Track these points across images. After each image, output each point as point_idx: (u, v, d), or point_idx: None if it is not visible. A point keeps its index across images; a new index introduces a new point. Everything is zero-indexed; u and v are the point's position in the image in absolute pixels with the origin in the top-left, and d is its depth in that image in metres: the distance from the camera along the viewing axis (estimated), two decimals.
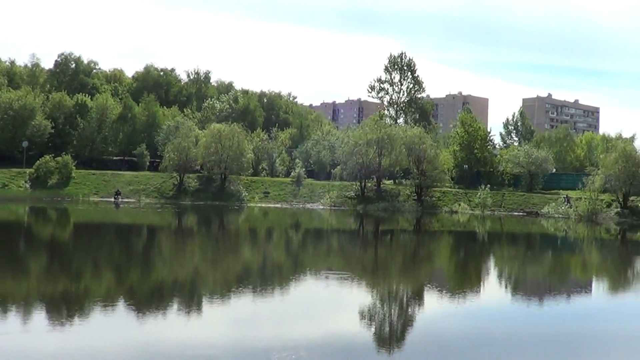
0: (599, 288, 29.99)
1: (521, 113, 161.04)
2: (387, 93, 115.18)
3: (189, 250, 37.20)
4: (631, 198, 78.68)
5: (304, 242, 45.45)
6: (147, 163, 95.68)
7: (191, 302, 21.42)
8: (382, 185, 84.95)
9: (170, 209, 70.07)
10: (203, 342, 16.07)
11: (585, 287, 29.71)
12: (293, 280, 27.38)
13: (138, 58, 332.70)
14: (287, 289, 25.04)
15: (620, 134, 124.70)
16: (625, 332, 19.13)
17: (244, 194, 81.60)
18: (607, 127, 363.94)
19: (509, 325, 19.74)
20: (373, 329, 18.57)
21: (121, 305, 20.61)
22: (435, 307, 21.97)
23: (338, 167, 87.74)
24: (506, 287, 28.53)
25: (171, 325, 18.00)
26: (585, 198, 78.25)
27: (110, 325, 17.51)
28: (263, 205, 79.40)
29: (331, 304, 22.37)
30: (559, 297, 25.94)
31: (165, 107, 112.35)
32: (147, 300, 21.59)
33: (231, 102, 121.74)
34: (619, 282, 31.33)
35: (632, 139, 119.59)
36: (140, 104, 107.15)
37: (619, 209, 77.88)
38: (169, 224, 57.82)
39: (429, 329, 18.81)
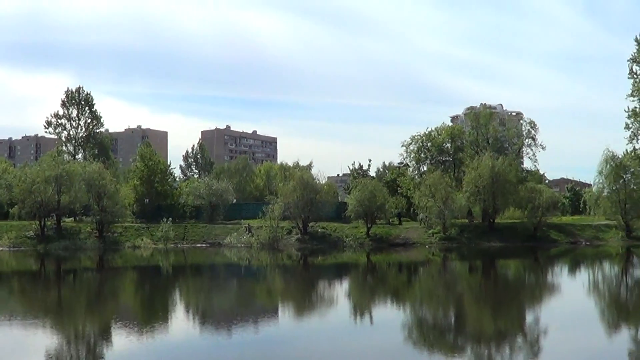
0: (284, 313, 30.93)
1: (200, 145, 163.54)
2: (65, 128, 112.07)
3: None
4: (310, 224, 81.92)
5: None
6: None
7: None
8: (62, 223, 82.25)
9: None
10: None
11: (272, 314, 30.48)
12: None
13: None
14: None
15: (298, 162, 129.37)
16: (310, 355, 19.85)
17: None
18: (285, 156, 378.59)
19: (197, 356, 19.87)
20: None
21: None
22: (122, 344, 21.57)
23: (16, 206, 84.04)
24: (194, 319, 28.67)
25: None
26: (266, 226, 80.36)
27: None
28: None
29: (15, 350, 21.35)
30: (246, 324, 26.43)
31: None
32: None
33: None
34: (303, 306, 32.46)
35: (309, 166, 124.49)
36: None
37: (299, 235, 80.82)
38: None
39: None
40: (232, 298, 36.60)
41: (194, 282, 47.01)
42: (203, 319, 28.41)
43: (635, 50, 79.68)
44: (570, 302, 33.84)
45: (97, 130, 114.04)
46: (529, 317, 28.73)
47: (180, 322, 27.40)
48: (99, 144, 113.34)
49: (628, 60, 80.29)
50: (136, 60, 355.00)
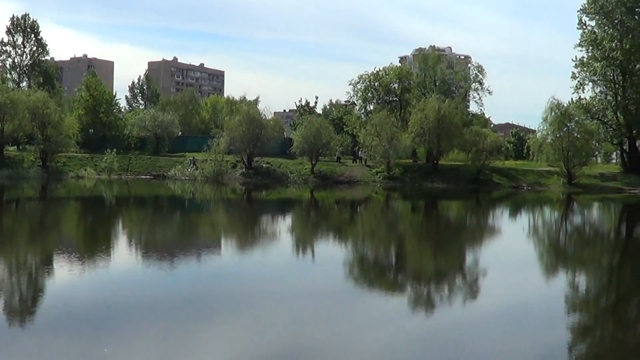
0: (227, 248, 31.05)
1: (147, 76, 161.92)
2: (10, 56, 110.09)
3: None
4: (255, 159, 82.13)
5: None
6: None
7: None
8: (5, 152, 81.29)
9: None
10: None
11: (215, 248, 30.56)
12: None
13: None
14: None
15: (245, 97, 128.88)
16: (254, 291, 20.03)
17: None
18: (232, 90, 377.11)
19: (142, 289, 19.77)
20: (2, 300, 17.83)
21: None
22: (65, 275, 21.43)
23: None
24: (137, 251, 28.63)
25: None
26: (211, 160, 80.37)
27: None
28: None
29: None
30: (190, 258, 26.51)
31: None
32: None
33: None
34: (245, 241, 32.59)
35: (256, 101, 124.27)
36: None
37: (244, 170, 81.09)
38: None
39: (61, 298, 18.29)
40: (176, 231, 36.61)
41: (137, 213, 46.95)
42: (146, 251, 28.32)
43: (585, 2, 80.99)
44: (510, 245, 34.49)
45: (43, 59, 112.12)
46: (469, 258, 29.23)
47: (123, 254, 27.29)
48: (44, 73, 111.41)
49: (578, 11, 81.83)
50: None
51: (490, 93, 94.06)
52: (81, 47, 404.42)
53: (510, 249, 32.66)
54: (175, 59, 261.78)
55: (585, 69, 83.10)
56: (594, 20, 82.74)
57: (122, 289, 19.65)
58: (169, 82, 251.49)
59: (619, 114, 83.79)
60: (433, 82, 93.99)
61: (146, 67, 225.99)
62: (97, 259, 24.88)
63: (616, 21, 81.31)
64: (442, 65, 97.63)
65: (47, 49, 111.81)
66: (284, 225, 42.74)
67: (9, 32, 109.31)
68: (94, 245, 29.26)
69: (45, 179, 74.23)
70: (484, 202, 64.27)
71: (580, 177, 77.55)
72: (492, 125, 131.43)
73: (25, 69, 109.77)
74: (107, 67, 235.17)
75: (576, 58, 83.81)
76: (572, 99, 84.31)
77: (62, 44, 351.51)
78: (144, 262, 25.47)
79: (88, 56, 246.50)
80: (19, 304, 17.80)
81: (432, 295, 20.43)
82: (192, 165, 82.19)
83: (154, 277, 21.82)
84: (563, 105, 79.61)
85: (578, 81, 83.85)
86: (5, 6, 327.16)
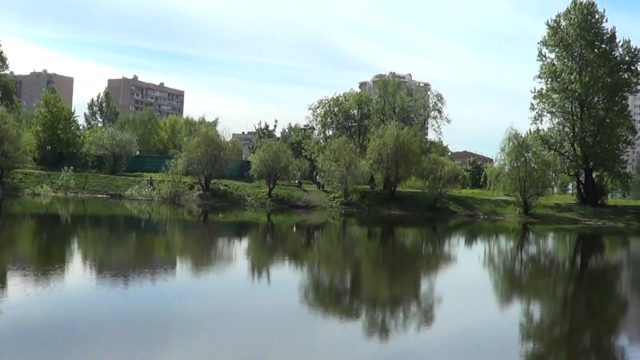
0: (183, 270, 30.83)
1: (106, 94, 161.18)
2: None
3: None
4: (213, 181, 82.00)
5: None
6: None
7: None
8: None
9: None
10: None
11: (171, 269, 30.30)
12: None
13: None
14: None
15: (204, 118, 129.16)
16: (208, 314, 19.94)
17: None
18: (191, 110, 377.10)
19: (97, 309, 19.47)
20: None
21: None
22: (17, 294, 21.15)
23: None
24: (92, 271, 28.29)
25: None
26: (168, 180, 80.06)
27: None
28: None
29: None
30: (143, 277, 26.31)
31: None
32: None
33: None
34: (201, 264, 32.38)
35: (215, 123, 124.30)
36: None
37: (201, 192, 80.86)
38: None
39: (9, 318, 18.06)
40: (130, 251, 36.33)
41: (93, 233, 46.47)
42: (101, 271, 27.97)
43: (546, 34, 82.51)
44: (465, 273, 34.66)
45: (2, 73, 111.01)
46: (425, 285, 29.35)
47: (78, 274, 26.97)
48: (3, 87, 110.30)
49: (538, 43, 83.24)
50: (47, 3, 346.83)
51: (449, 122, 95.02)
52: (41, 62, 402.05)
53: (465, 277, 32.83)
54: (135, 77, 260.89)
55: (543, 100, 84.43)
56: (554, 53, 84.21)
57: (77, 309, 19.31)
58: (129, 100, 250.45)
59: (576, 146, 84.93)
60: (392, 109, 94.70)
61: (106, 84, 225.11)
62: (52, 279, 24.51)
63: (576, 54, 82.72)
64: (402, 93, 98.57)
65: (7, 63, 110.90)
66: (240, 248, 42.59)
67: None
68: (48, 264, 28.85)
69: (0, 195, 73.47)
70: (440, 230, 64.57)
71: (537, 207, 78.40)
72: (450, 153, 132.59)
73: None
74: (66, 83, 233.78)
75: (535, 89, 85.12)
76: (530, 129, 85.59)
77: (22, 58, 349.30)
78: (98, 282, 25.11)
79: (48, 71, 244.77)
80: None
81: (387, 321, 20.48)
82: (149, 185, 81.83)
83: (109, 298, 21.51)
84: (521, 136, 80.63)
85: (536, 112, 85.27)
86: None
